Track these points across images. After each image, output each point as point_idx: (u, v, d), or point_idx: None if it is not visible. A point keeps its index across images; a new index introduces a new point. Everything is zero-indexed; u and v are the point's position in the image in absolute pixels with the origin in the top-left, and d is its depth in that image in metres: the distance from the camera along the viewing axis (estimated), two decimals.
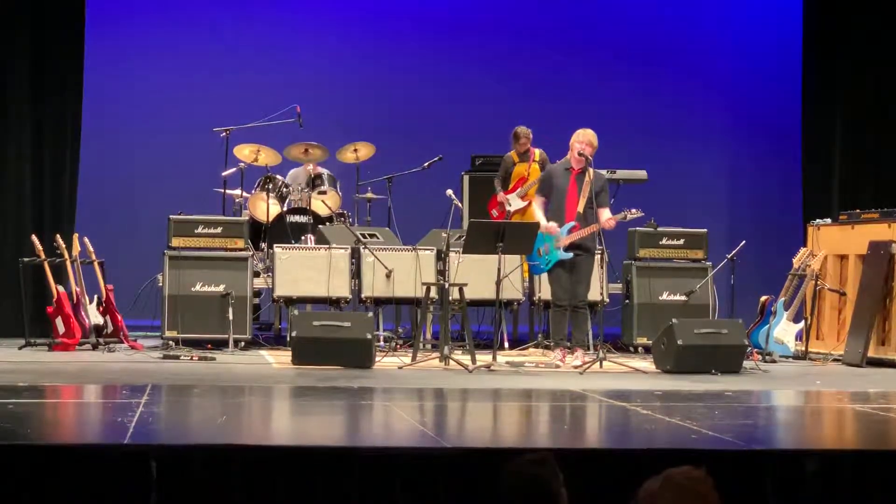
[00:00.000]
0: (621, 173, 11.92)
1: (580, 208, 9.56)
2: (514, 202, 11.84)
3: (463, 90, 13.80)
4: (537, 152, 11.84)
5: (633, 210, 9.70)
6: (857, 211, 11.11)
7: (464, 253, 9.83)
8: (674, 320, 9.43)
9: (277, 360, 9.68)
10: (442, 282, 9.72)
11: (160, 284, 10.65)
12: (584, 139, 9.57)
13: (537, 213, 9.69)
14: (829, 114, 13.17)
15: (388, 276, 10.71)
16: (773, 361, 10.26)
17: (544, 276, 10.00)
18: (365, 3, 14.05)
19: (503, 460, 3.85)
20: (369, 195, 12.08)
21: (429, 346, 10.44)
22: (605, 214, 9.58)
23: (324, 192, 11.81)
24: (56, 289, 10.30)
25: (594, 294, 10.05)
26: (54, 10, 11.75)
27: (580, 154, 9.55)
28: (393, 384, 8.20)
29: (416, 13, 14.05)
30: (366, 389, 7.75)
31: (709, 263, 11.15)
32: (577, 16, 14.22)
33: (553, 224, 9.50)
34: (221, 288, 10.51)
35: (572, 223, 9.54)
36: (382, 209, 12.18)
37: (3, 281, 11.28)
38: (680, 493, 3.40)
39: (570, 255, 9.52)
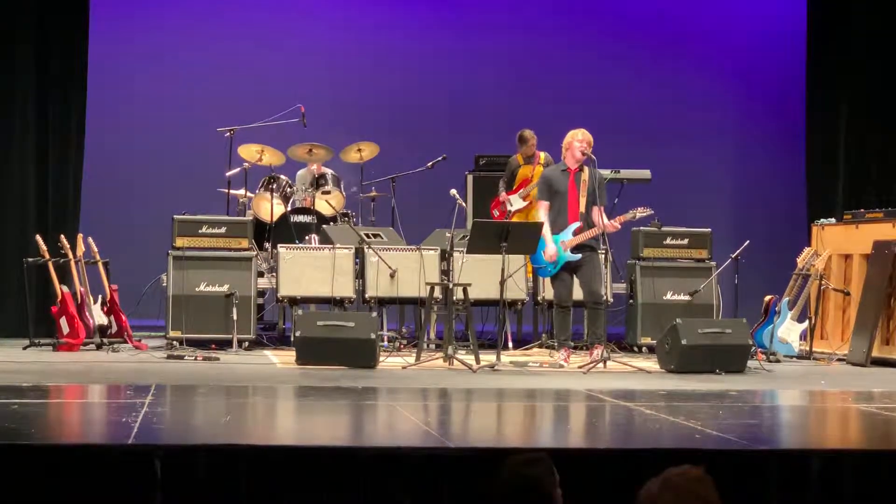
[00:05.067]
0: (625, 173, 11.93)
1: (582, 208, 9.58)
2: (516, 202, 11.85)
3: (467, 90, 13.81)
4: (542, 155, 11.85)
5: (641, 208, 9.69)
6: (862, 211, 11.10)
7: (468, 253, 9.83)
8: (678, 320, 9.43)
9: (281, 360, 9.69)
10: (446, 282, 9.73)
11: (164, 284, 10.65)
12: (584, 139, 9.59)
13: (541, 217, 9.67)
14: (834, 113, 13.16)
15: (391, 275, 10.71)
16: (778, 361, 10.25)
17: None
18: (369, 4, 14.06)
19: (507, 460, 3.85)
20: (373, 195, 12.09)
21: (433, 346, 10.44)
22: (597, 213, 9.58)
23: (328, 192, 11.82)
24: (60, 289, 10.31)
25: None
26: (58, 11, 11.76)
27: (583, 154, 9.57)
28: (397, 384, 8.20)
29: (421, 13, 14.06)
30: (369, 389, 7.75)
31: (713, 263, 11.15)
32: (581, 16, 14.22)
33: (553, 252, 9.49)
34: (225, 288, 10.51)
35: (577, 224, 9.56)
36: (386, 209, 12.19)
37: (7, 281, 11.30)
38: (680, 495, 3.41)
39: (578, 256, 9.53)
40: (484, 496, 3.84)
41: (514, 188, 11.91)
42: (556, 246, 9.51)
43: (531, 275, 10.95)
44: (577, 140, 9.59)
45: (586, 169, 9.64)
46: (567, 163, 9.67)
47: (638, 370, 9.35)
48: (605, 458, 5.32)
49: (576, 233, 9.54)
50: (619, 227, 9.63)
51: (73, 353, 10.03)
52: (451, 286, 9.53)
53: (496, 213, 11.95)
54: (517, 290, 10.71)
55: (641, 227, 11.13)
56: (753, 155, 14.31)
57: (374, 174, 12.25)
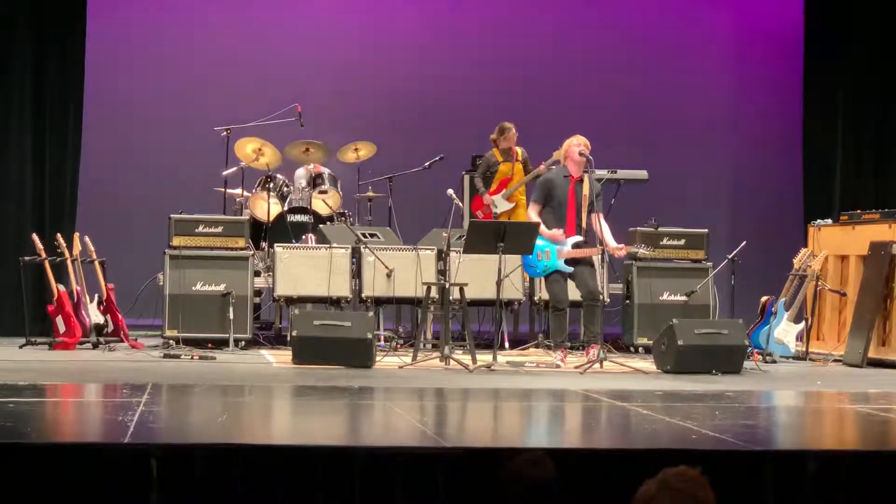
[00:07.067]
0: (622, 173, 11.92)
1: (583, 223, 9.61)
2: (501, 204, 11.81)
3: (464, 90, 13.80)
4: (520, 151, 11.83)
5: (644, 247, 9.79)
6: (858, 211, 11.11)
7: (464, 253, 9.83)
8: (674, 320, 9.44)
9: (278, 359, 9.69)
10: (442, 281, 9.73)
11: (161, 284, 10.65)
12: (580, 142, 9.61)
13: (532, 218, 9.65)
14: (830, 114, 13.18)
15: (388, 275, 10.71)
16: (774, 362, 10.26)
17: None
18: (367, 4, 14.05)
19: (503, 460, 3.85)
20: (370, 194, 12.09)
21: (429, 346, 10.44)
22: (595, 220, 9.59)
23: (324, 192, 11.81)
24: (57, 288, 10.31)
25: None
26: (55, 10, 11.76)
27: (581, 154, 9.57)
28: (393, 384, 8.20)
29: (418, 13, 14.05)
30: (366, 389, 7.75)
31: (709, 264, 11.16)
32: (577, 16, 14.21)
33: (558, 231, 9.51)
34: (222, 287, 10.51)
35: (578, 238, 9.58)
36: (383, 209, 12.19)
37: (4, 280, 11.30)
38: (676, 496, 3.41)
39: (571, 269, 9.56)
40: (488, 496, 3.85)
41: (495, 188, 11.86)
42: (556, 243, 9.53)
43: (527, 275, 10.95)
44: (574, 145, 9.61)
45: (586, 179, 9.64)
46: (570, 169, 9.68)
47: (634, 370, 9.35)
48: (602, 458, 5.32)
49: (575, 246, 9.57)
50: (624, 254, 9.71)
51: (70, 351, 10.03)
52: (447, 286, 9.52)
53: (480, 214, 11.90)
54: (514, 290, 10.70)
55: (638, 228, 11.13)
56: (750, 155, 14.31)
57: (372, 174, 12.25)
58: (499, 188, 11.85)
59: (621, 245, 9.65)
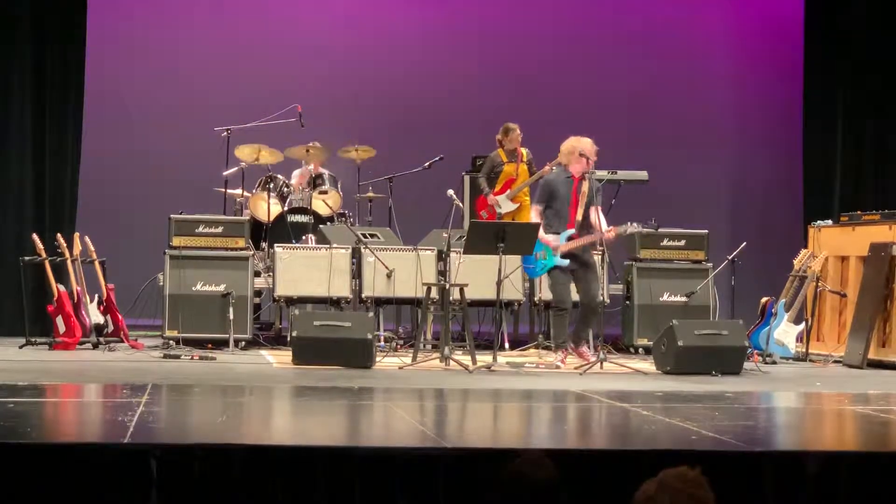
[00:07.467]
0: (622, 174, 11.92)
1: (579, 217, 9.62)
2: (505, 204, 11.80)
3: (464, 90, 13.80)
4: (524, 152, 11.82)
5: (634, 224, 9.70)
6: (858, 212, 11.11)
7: (464, 253, 9.83)
8: (674, 321, 9.44)
9: (278, 359, 9.69)
10: (443, 282, 9.73)
11: (161, 284, 10.65)
12: (590, 147, 9.62)
13: (534, 220, 9.66)
14: (831, 114, 13.17)
15: (388, 276, 10.71)
16: (774, 363, 10.25)
17: (545, 275, 10.02)
18: (367, 4, 14.05)
19: (504, 461, 3.85)
20: (370, 195, 12.09)
21: (429, 347, 10.44)
22: (594, 213, 9.61)
23: (325, 192, 11.81)
24: (57, 288, 10.31)
25: None
26: (55, 9, 11.76)
27: (581, 155, 9.59)
28: (393, 384, 8.20)
29: (418, 13, 14.05)
30: (366, 389, 7.75)
31: (709, 264, 11.15)
32: (577, 16, 14.22)
33: (552, 238, 9.52)
34: (222, 287, 10.51)
35: (571, 231, 9.60)
36: (383, 209, 12.19)
37: (4, 280, 11.30)
38: (676, 497, 3.41)
39: (567, 262, 9.56)
40: (488, 496, 3.84)
41: (499, 188, 11.85)
42: (555, 242, 9.55)
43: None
44: (584, 150, 9.62)
45: (586, 177, 9.67)
46: (572, 170, 9.69)
47: (634, 371, 9.35)
48: (602, 459, 5.32)
49: (570, 239, 9.58)
50: (614, 237, 9.69)
51: (70, 352, 10.03)
52: (447, 286, 9.52)
53: (484, 214, 11.89)
54: (514, 290, 10.70)
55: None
56: (750, 156, 14.32)
57: (372, 174, 12.25)
58: (503, 188, 11.84)
59: (611, 227, 9.65)
